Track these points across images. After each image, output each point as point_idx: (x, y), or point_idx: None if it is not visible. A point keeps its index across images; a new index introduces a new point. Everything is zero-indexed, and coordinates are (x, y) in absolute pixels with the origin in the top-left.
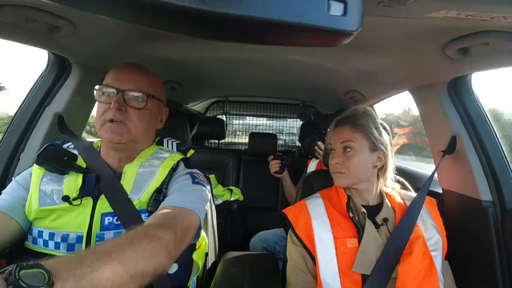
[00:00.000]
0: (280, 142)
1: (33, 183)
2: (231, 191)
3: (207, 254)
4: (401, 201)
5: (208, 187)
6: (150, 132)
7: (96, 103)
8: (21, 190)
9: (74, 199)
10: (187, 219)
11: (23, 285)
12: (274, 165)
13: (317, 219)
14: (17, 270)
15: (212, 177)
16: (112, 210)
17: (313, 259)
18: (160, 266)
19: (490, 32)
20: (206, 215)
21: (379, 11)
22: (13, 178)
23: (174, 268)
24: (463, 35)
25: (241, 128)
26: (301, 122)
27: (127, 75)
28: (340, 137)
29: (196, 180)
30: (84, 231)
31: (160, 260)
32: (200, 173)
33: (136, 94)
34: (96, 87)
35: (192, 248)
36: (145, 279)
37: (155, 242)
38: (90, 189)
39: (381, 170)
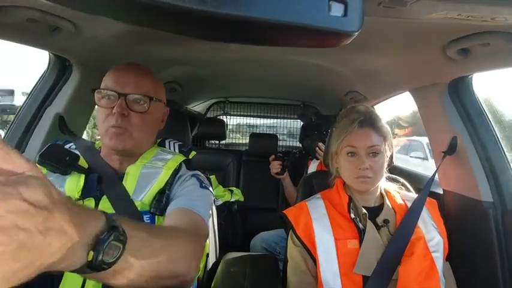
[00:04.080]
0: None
1: None
2: (232, 191)
3: (207, 255)
4: (402, 202)
5: (211, 189)
6: (153, 134)
7: (97, 105)
8: None
9: (76, 200)
10: (207, 231)
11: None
12: (275, 166)
13: (318, 220)
14: (111, 236)
15: (213, 178)
16: (113, 212)
17: (314, 260)
18: (189, 273)
19: (490, 32)
20: None
21: (379, 11)
22: None
23: None
24: (463, 36)
25: (236, 129)
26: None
27: (128, 77)
28: (367, 141)
29: (203, 184)
30: None
31: (191, 266)
32: (202, 175)
33: (138, 98)
34: (96, 90)
35: None
36: (175, 279)
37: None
38: (92, 189)
39: None
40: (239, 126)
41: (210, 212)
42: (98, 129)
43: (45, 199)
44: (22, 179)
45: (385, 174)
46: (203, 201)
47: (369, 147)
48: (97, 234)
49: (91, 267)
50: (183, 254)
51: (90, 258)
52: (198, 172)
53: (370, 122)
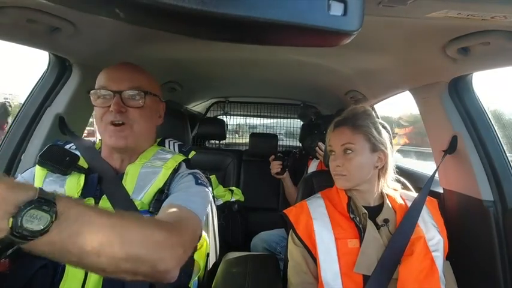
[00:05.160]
0: None
1: (36, 184)
2: (232, 191)
3: (208, 255)
4: (402, 202)
5: (210, 188)
6: (152, 129)
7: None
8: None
9: None
10: (197, 225)
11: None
12: (275, 167)
13: (318, 220)
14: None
15: (213, 177)
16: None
17: (315, 259)
18: (163, 263)
19: (490, 31)
20: (207, 215)
21: (379, 10)
22: (19, 175)
23: None
24: (463, 35)
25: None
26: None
27: (121, 74)
28: (340, 138)
29: (199, 181)
30: None
31: (164, 256)
32: (201, 173)
33: (133, 93)
34: (91, 91)
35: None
36: (142, 265)
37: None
38: (92, 189)
39: (382, 170)
40: (239, 126)
41: (208, 209)
42: (97, 128)
43: None
44: None
45: (392, 175)
46: (198, 197)
47: (341, 145)
48: (19, 204)
49: (14, 235)
50: (147, 240)
51: (10, 225)
52: (197, 171)
53: (347, 121)
